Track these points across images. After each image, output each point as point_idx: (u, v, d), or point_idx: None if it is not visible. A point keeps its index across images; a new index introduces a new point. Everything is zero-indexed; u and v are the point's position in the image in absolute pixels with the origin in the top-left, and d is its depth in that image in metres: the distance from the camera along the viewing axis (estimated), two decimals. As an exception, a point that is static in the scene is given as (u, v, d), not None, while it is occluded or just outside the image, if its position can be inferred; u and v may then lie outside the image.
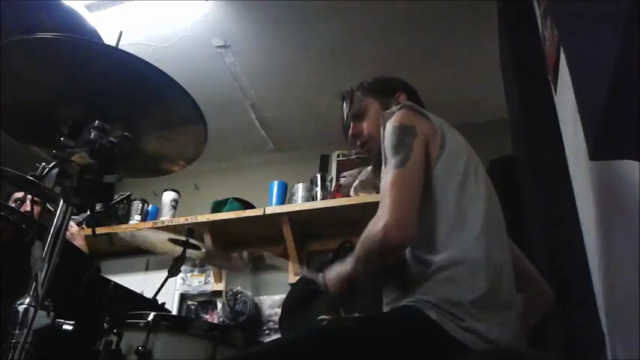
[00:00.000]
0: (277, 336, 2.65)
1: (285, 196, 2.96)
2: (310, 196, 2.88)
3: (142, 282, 2.58)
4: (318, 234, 2.85)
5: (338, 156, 3.00)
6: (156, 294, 1.93)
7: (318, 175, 2.94)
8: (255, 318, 2.75)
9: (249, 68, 2.82)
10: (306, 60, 2.72)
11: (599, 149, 0.68)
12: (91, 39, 1.33)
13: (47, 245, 1.04)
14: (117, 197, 2.53)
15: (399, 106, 1.26)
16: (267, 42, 2.66)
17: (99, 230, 2.80)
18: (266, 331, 2.77)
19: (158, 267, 2.96)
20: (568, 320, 1.27)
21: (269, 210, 2.76)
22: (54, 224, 1.07)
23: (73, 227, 2.33)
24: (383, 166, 1.23)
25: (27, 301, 0.97)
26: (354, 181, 2.65)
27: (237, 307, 2.71)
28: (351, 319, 1.17)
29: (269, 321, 2.78)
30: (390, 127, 1.22)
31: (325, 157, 3.13)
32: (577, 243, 1.28)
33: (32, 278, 0.99)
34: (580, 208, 1.31)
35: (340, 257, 2.50)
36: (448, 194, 1.17)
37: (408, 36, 2.52)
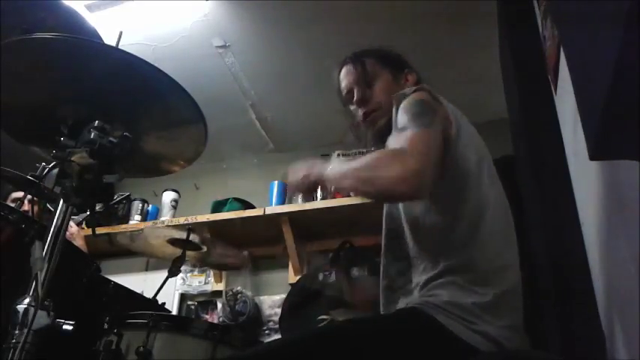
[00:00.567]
0: (277, 336, 2.65)
1: (285, 196, 2.96)
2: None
3: (142, 282, 2.58)
4: (318, 234, 2.85)
5: (338, 156, 3.00)
6: (156, 294, 1.93)
7: (319, 175, 2.93)
8: (255, 318, 2.75)
9: (249, 68, 2.82)
10: (306, 60, 2.71)
11: (599, 149, 0.67)
12: (91, 39, 1.32)
13: (47, 245, 1.03)
14: (117, 197, 2.53)
15: (413, 88, 1.20)
16: (267, 42, 2.66)
17: (99, 230, 2.79)
18: (266, 331, 2.77)
19: (158, 267, 2.97)
20: (568, 320, 1.26)
21: (269, 210, 2.76)
22: (54, 224, 1.07)
23: (72, 227, 2.33)
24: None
25: (27, 301, 0.97)
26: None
27: (237, 307, 2.71)
28: (352, 320, 1.17)
29: (269, 321, 2.78)
30: (410, 101, 1.13)
31: (325, 157, 3.12)
32: (577, 243, 1.27)
33: (32, 278, 0.98)
34: (580, 208, 1.31)
35: (340, 257, 2.51)
36: (470, 181, 1.11)
37: (408, 36, 2.52)
